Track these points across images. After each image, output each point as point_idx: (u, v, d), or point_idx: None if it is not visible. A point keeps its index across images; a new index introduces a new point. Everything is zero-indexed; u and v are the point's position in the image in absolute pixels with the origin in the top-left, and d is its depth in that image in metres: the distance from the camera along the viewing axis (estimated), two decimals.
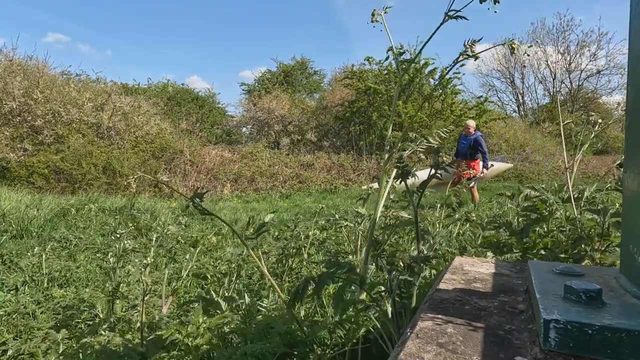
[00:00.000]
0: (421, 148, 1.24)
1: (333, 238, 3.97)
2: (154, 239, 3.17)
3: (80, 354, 1.60)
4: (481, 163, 7.35)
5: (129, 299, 2.51)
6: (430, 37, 1.44)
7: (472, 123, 7.39)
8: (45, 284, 2.90)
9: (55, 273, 3.08)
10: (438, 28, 1.33)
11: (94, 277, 3.09)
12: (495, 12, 1.24)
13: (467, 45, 1.27)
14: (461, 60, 1.32)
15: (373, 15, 1.32)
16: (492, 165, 7.78)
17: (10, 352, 1.95)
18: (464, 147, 7.32)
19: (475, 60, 1.34)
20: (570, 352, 0.64)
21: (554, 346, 0.65)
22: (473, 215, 1.67)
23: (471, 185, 6.56)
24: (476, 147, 7.12)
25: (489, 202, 6.81)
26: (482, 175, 7.41)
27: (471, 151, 7.14)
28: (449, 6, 1.23)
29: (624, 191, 0.88)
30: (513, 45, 1.29)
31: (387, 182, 1.33)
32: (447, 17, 1.24)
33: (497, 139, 14.60)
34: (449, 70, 1.66)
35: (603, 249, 1.50)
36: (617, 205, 1.53)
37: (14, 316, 2.38)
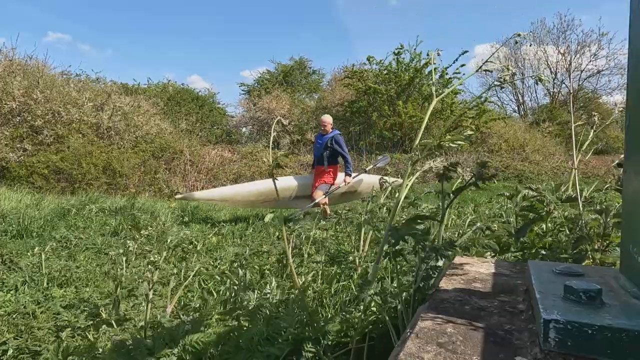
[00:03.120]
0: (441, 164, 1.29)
1: (333, 238, 3.97)
2: (169, 240, 3.18)
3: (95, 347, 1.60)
4: (344, 171, 5.79)
5: (131, 299, 2.52)
6: (473, 72, 1.48)
7: (327, 118, 5.82)
8: (45, 284, 2.90)
9: (55, 273, 3.08)
10: (480, 67, 1.37)
11: (94, 277, 3.09)
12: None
13: (504, 74, 1.34)
14: (497, 85, 1.39)
15: (429, 55, 1.38)
16: (364, 172, 6.03)
17: (10, 352, 1.95)
18: (318, 149, 5.72)
19: (501, 89, 1.39)
20: (570, 352, 0.64)
21: (553, 346, 0.65)
22: (495, 226, 1.67)
23: (318, 198, 5.45)
24: (334, 148, 5.61)
25: (489, 202, 6.81)
26: (343, 184, 5.66)
27: (328, 153, 5.60)
28: (503, 76, 1.28)
29: (624, 191, 0.88)
30: (541, 77, 1.34)
31: (409, 179, 1.38)
32: (496, 84, 1.31)
33: (497, 139, 14.60)
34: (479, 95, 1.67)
35: (603, 249, 1.50)
36: (617, 205, 1.53)
37: (14, 316, 2.38)
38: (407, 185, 1.40)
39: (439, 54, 1.39)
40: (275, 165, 1.50)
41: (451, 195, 1.26)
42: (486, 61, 1.28)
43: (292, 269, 1.57)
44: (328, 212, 5.57)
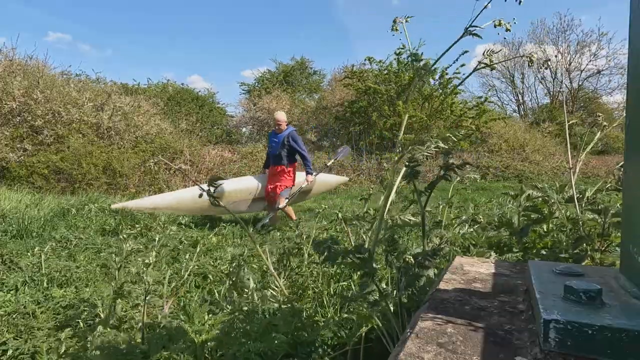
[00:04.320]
0: (429, 152, 1.26)
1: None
2: (157, 239, 3.17)
3: (84, 352, 1.60)
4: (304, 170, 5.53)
5: (130, 299, 2.51)
6: (445, 51, 1.44)
7: (282, 116, 5.44)
8: (45, 284, 2.90)
9: (55, 273, 3.08)
10: (455, 43, 1.34)
11: (94, 277, 3.08)
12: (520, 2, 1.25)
13: (487, 55, 1.30)
14: (479, 68, 1.35)
15: (394, 23, 1.33)
16: (320, 171, 5.78)
17: (10, 352, 1.95)
18: (275, 147, 5.36)
19: (491, 71, 1.37)
20: (570, 352, 0.64)
21: (554, 346, 0.65)
22: (480, 217, 1.66)
23: (282, 205, 5.28)
24: (291, 146, 5.29)
25: (488, 202, 6.81)
26: (304, 186, 5.47)
27: (286, 152, 5.30)
28: (470, 22, 1.23)
29: (624, 191, 0.88)
30: (532, 58, 1.30)
31: (395, 181, 1.36)
32: (465, 33, 1.25)
33: (497, 139, 14.60)
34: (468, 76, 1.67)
35: (603, 249, 1.50)
36: (618, 205, 1.53)
37: (14, 316, 2.37)
38: (395, 184, 1.39)
39: None
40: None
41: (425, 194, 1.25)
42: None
43: (277, 277, 1.57)
44: (293, 216, 5.44)
